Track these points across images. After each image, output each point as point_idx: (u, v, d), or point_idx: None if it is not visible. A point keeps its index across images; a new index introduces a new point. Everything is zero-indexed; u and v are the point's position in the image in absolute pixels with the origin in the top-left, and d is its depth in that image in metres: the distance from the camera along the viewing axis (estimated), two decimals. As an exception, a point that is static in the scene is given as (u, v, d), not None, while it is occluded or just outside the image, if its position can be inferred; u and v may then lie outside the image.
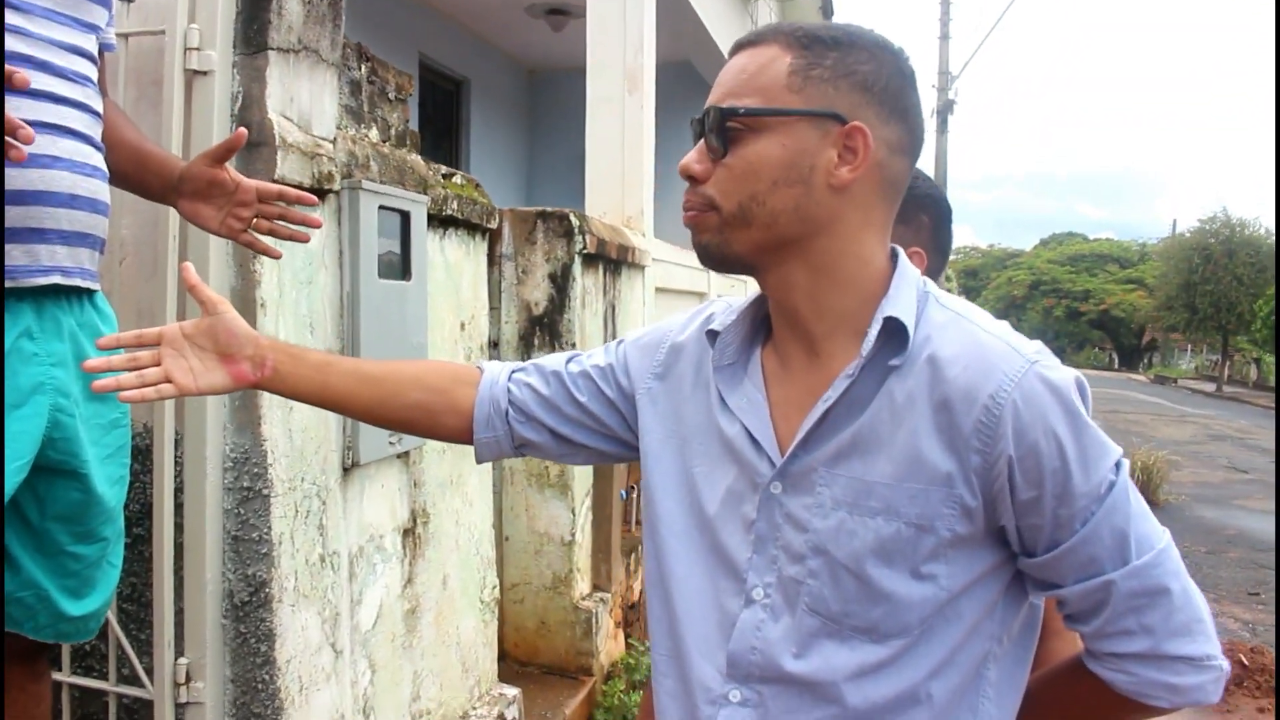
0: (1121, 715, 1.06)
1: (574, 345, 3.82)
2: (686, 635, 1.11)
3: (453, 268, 2.69)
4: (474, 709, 2.82)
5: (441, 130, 7.52)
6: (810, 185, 1.00)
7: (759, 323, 1.15)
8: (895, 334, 1.00)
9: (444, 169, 2.64)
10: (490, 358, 3.24)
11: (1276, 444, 12.84)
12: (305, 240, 1.57)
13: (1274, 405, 25.41)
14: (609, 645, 4.13)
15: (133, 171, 1.62)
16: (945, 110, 19.00)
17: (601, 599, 4.05)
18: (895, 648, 1.01)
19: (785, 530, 1.04)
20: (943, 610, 1.00)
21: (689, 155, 1.06)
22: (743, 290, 7.37)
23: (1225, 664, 1.01)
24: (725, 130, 1.02)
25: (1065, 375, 0.98)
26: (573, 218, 3.78)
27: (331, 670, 2.07)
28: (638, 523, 5.16)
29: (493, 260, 3.58)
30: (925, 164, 1.31)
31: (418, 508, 2.49)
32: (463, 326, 2.77)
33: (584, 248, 3.81)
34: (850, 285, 1.04)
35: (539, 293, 3.82)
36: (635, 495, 5.10)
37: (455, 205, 2.60)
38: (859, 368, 1.00)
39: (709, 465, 1.12)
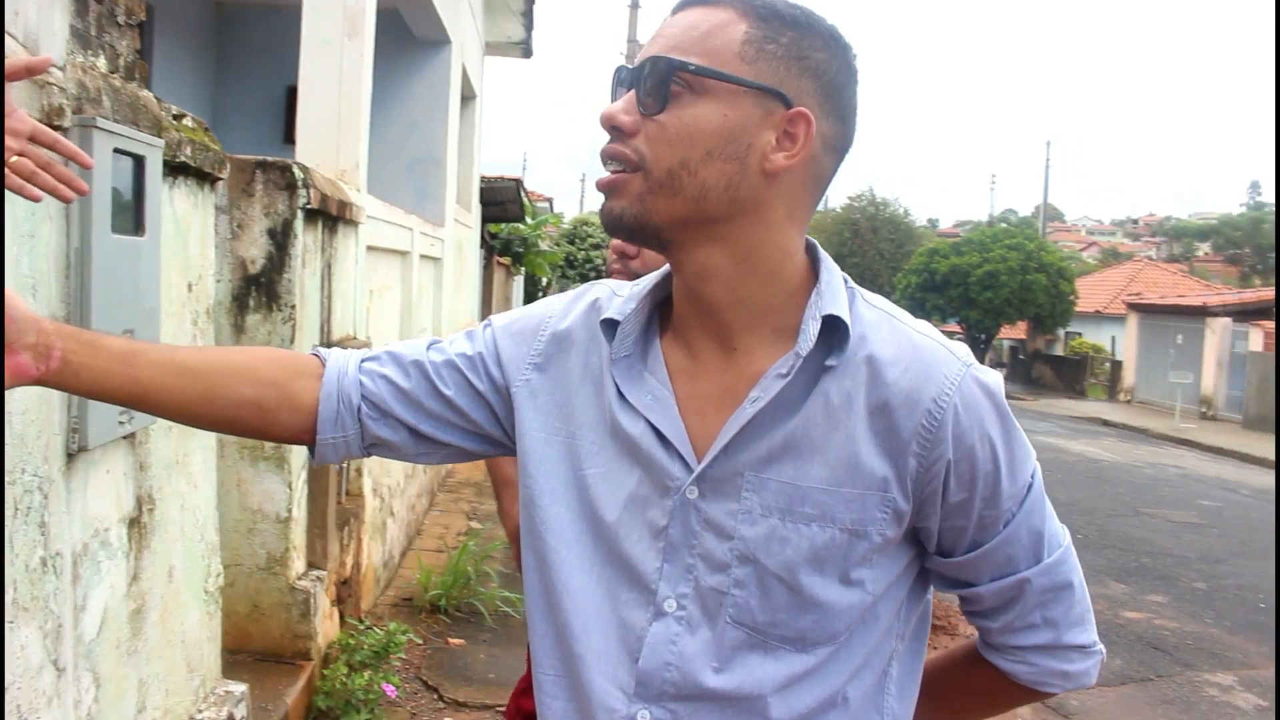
0: (1014, 701, 1.10)
1: (293, 308, 3.53)
2: (583, 653, 1.01)
3: (181, 222, 2.36)
4: (200, 712, 2.54)
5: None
6: (745, 165, 0.94)
7: (654, 310, 1.07)
8: (830, 332, 0.96)
9: (174, 109, 2.31)
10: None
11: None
12: (69, 199, 1.29)
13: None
14: (326, 626, 3.90)
15: None
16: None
17: (318, 577, 3.81)
18: (821, 656, 0.98)
19: (705, 538, 0.98)
20: (863, 614, 0.98)
21: (616, 104, 0.96)
22: (441, 249, 7.15)
23: (1102, 647, 1.06)
24: (666, 85, 0.92)
25: (996, 378, 0.98)
26: (296, 170, 3.48)
27: (53, 692, 1.77)
28: (348, 494, 4.89)
29: (207, 212, 3.21)
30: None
31: (144, 494, 2.18)
32: (190, 287, 2.46)
33: (308, 202, 3.51)
34: (773, 278, 0.98)
35: (256, 249, 3.48)
36: (347, 464, 4.83)
37: (189, 151, 2.28)
38: (794, 368, 0.95)
39: (605, 466, 1.03)
